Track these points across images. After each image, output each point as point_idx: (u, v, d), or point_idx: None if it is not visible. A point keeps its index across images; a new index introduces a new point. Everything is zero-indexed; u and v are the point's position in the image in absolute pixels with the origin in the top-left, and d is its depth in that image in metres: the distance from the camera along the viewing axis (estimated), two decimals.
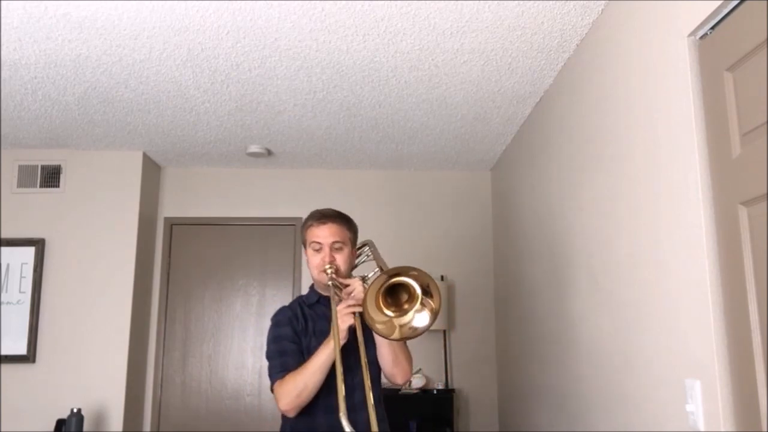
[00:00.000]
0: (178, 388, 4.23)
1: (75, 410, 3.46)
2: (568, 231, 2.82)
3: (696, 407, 1.64)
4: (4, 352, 3.79)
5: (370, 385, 1.82)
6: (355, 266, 2.21)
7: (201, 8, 2.38)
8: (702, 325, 1.64)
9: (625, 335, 2.18)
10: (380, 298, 1.80)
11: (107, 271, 3.94)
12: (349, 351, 1.91)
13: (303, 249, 2.14)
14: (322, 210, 2.12)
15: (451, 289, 4.40)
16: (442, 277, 4.34)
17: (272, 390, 1.99)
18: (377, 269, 2.03)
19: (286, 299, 4.35)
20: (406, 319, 1.81)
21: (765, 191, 1.42)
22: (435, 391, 4.12)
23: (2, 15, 2.41)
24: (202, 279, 4.37)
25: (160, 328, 4.27)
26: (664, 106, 1.88)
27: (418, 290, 1.81)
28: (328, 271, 2.02)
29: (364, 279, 2.03)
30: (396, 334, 1.80)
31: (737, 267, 1.52)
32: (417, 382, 4.08)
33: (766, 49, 1.43)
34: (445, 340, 4.32)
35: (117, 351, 3.86)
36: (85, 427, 3.56)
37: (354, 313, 1.88)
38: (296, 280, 4.36)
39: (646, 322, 2.00)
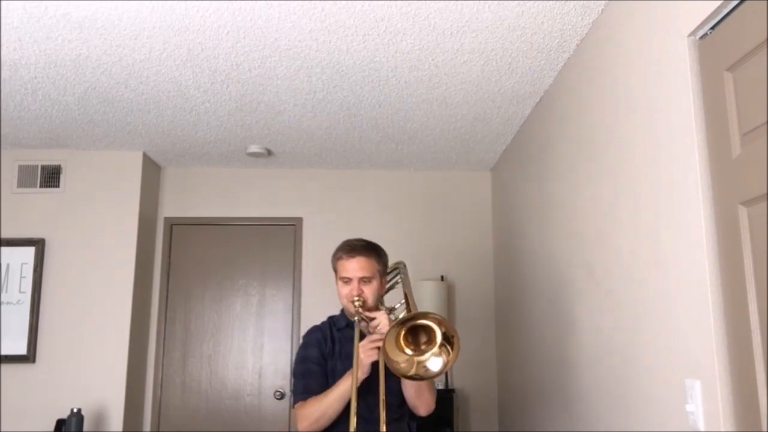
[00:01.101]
0: (178, 388, 4.23)
1: (75, 410, 3.46)
2: (568, 230, 2.82)
3: (696, 407, 1.64)
4: (4, 352, 3.79)
5: (385, 418, 1.87)
6: (388, 290, 2.28)
7: (201, 8, 2.38)
8: (702, 325, 1.64)
9: (625, 335, 2.18)
10: (401, 338, 1.85)
11: (107, 271, 3.94)
12: (372, 382, 1.96)
13: (335, 277, 2.21)
14: (352, 242, 2.18)
15: (451, 290, 4.40)
16: (442, 277, 4.34)
17: (294, 407, 2.10)
18: (403, 301, 2.10)
19: (286, 299, 4.36)
20: (422, 357, 1.85)
21: (765, 191, 1.42)
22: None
23: (2, 15, 2.41)
24: (202, 279, 4.37)
25: (160, 328, 4.27)
26: (664, 106, 1.88)
27: (439, 336, 1.85)
28: (356, 303, 2.08)
29: (390, 311, 2.09)
30: (413, 371, 1.85)
31: (737, 267, 1.52)
32: None
33: (766, 49, 1.43)
34: None
35: (117, 351, 3.85)
36: (85, 427, 3.55)
37: (378, 348, 1.92)
38: (296, 280, 4.36)
39: (646, 322, 2.00)
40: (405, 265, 2.41)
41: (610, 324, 2.33)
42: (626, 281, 2.17)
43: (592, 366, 2.52)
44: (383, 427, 1.84)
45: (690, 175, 1.71)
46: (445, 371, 1.86)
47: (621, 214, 2.22)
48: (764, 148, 1.42)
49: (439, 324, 1.84)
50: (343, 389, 1.96)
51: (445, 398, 4.06)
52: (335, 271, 2.20)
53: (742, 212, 1.51)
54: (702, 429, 1.62)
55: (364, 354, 1.94)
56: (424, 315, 1.85)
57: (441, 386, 4.19)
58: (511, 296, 3.93)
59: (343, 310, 2.25)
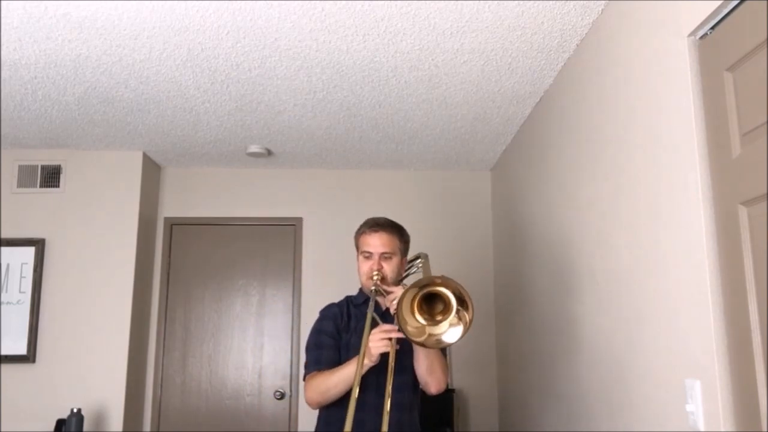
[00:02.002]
0: (178, 388, 4.23)
1: (75, 410, 3.46)
2: (568, 230, 2.82)
3: (696, 407, 1.64)
4: (4, 352, 3.79)
5: (390, 391, 1.89)
6: (405, 276, 2.29)
7: (201, 8, 2.38)
8: (702, 325, 1.64)
9: (625, 335, 2.18)
10: (416, 303, 1.85)
11: (107, 271, 3.94)
12: (381, 366, 1.96)
13: (356, 254, 2.23)
14: (376, 218, 2.22)
15: None
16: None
17: (304, 378, 2.11)
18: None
19: (286, 299, 4.36)
20: (437, 329, 1.86)
21: (765, 191, 1.42)
22: None
23: (2, 15, 2.41)
24: (202, 279, 4.37)
25: (160, 328, 4.27)
26: (664, 106, 1.88)
27: (454, 302, 1.85)
28: (374, 277, 2.10)
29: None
30: (423, 338, 1.85)
31: (737, 267, 1.52)
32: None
33: (766, 49, 1.43)
34: None
35: (117, 351, 3.85)
36: (85, 427, 3.55)
37: (389, 339, 1.92)
38: (296, 280, 4.36)
39: (646, 322, 2.00)
40: (427, 257, 2.40)
41: (610, 324, 2.33)
42: (626, 281, 2.17)
43: (592, 366, 2.52)
44: (385, 417, 1.83)
45: (690, 175, 1.71)
46: (464, 336, 1.84)
47: (621, 214, 2.22)
48: (764, 148, 1.42)
49: (452, 289, 1.84)
50: (350, 373, 1.95)
51: (445, 398, 4.06)
52: (357, 247, 2.21)
53: (742, 212, 1.50)
54: (702, 429, 1.62)
55: (374, 343, 1.92)
56: (432, 281, 1.85)
57: None
58: (512, 296, 3.93)
59: (360, 290, 2.25)
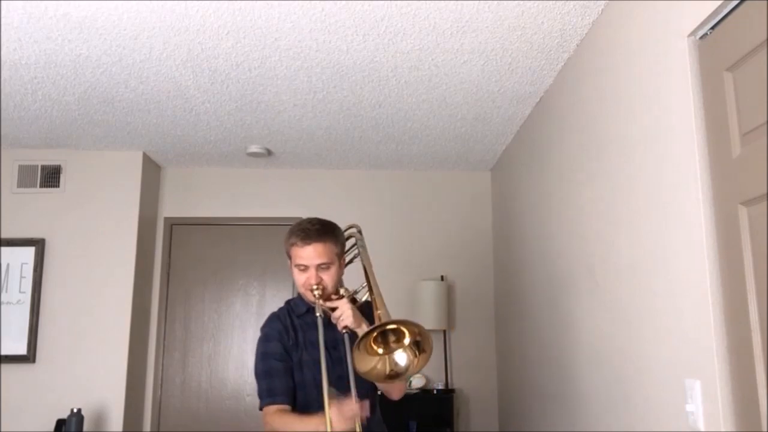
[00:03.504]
0: (178, 388, 4.23)
1: (75, 410, 3.46)
2: (568, 230, 2.82)
3: (696, 407, 1.64)
4: (4, 352, 3.79)
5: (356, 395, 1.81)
6: (347, 263, 2.16)
7: (201, 8, 2.38)
8: (702, 325, 1.64)
9: (625, 335, 2.18)
10: (370, 344, 1.78)
11: (107, 271, 3.94)
12: (337, 364, 1.91)
13: (289, 262, 2.05)
14: (306, 226, 2.00)
15: (451, 289, 4.40)
16: (442, 277, 4.34)
17: (260, 408, 1.97)
18: (364, 283, 2.00)
19: (286, 299, 4.35)
20: (392, 355, 1.80)
21: (765, 191, 1.42)
22: (435, 391, 4.12)
23: (2, 15, 2.41)
24: (202, 279, 4.37)
25: (160, 328, 4.27)
26: (664, 106, 1.88)
27: (408, 339, 1.79)
28: (316, 293, 1.95)
29: (353, 298, 1.99)
30: (388, 369, 1.79)
31: (737, 267, 1.52)
32: (417, 382, 4.08)
33: (766, 49, 1.43)
34: (445, 340, 4.32)
35: (117, 351, 3.85)
36: (85, 427, 3.56)
37: (355, 418, 1.79)
38: None
39: (646, 322, 2.00)
40: (360, 231, 2.23)
41: (610, 324, 2.33)
42: (626, 281, 2.17)
43: (592, 366, 2.52)
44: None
45: (690, 175, 1.71)
46: (415, 370, 1.79)
47: (621, 214, 2.22)
48: (764, 148, 1.42)
49: (408, 327, 1.77)
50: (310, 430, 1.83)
51: (445, 398, 4.07)
52: (289, 256, 2.03)
53: (742, 212, 1.50)
54: (702, 429, 1.62)
55: (339, 422, 1.76)
56: (386, 323, 1.77)
57: (441, 386, 4.19)
58: (511, 296, 3.93)
59: (299, 295, 2.11)
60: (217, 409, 4.20)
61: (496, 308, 4.40)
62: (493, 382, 4.35)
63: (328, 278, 1.97)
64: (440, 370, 4.26)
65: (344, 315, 1.89)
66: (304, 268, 1.98)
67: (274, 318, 2.10)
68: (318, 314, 1.93)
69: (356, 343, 1.74)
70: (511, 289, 3.96)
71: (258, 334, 2.11)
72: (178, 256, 4.40)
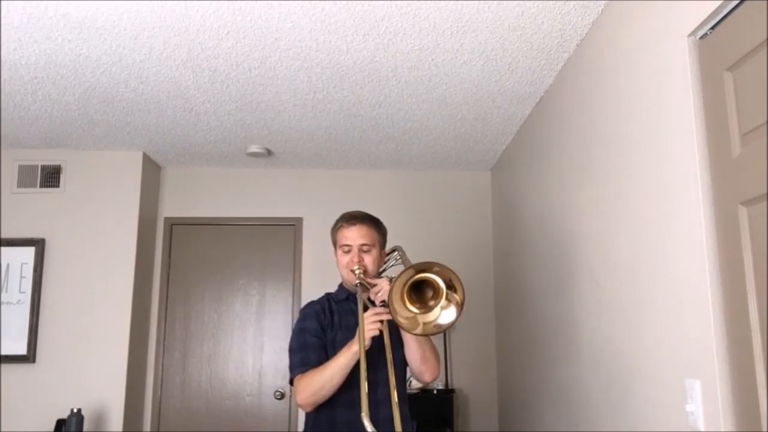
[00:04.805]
0: (178, 388, 4.23)
1: (75, 410, 3.46)
2: (568, 230, 2.82)
3: (696, 407, 1.64)
4: (4, 352, 3.79)
5: (394, 383, 1.85)
6: (383, 270, 2.25)
7: (201, 8, 2.38)
8: (702, 325, 1.64)
9: (625, 335, 2.18)
10: (405, 293, 1.83)
11: (107, 271, 3.94)
12: (373, 348, 1.93)
13: (333, 249, 2.19)
14: (353, 212, 2.17)
15: None
16: None
17: (291, 382, 2.07)
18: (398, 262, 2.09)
19: (286, 299, 4.36)
20: (431, 316, 1.84)
21: (765, 191, 1.42)
22: (435, 391, 4.11)
23: (2, 15, 2.41)
24: (202, 279, 4.37)
25: (160, 328, 4.27)
26: (664, 106, 1.88)
27: (443, 285, 1.84)
28: (356, 271, 2.06)
29: (391, 280, 2.02)
30: (419, 330, 1.84)
31: (737, 267, 1.52)
32: (417, 383, 4.07)
33: (766, 49, 1.43)
34: (445, 340, 4.32)
35: (117, 351, 3.86)
36: (85, 427, 3.56)
37: (381, 322, 1.90)
38: (296, 280, 4.36)
39: (646, 322, 2.00)
40: (403, 249, 2.35)
41: (610, 324, 2.33)
42: (626, 281, 2.17)
43: (592, 366, 2.52)
44: (393, 391, 1.82)
45: (690, 175, 1.71)
46: (459, 316, 1.83)
47: (621, 214, 2.22)
48: (764, 148, 1.42)
49: (439, 273, 1.82)
50: (345, 361, 1.91)
51: (445, 398, 4.07)
52: (334, 243, 2.17)
53: (742, 212, 1.50)
54: (702, 429, 1.62)
55: (367, 327, 1.88)
56: (422, 268, 1.82)
57: (441, 386, 4.19)
58: (511, 296, 3.93)
59: (341, 285, 2.21)
60: (217, 409, 4.20)
61: (496, 308, 4.40)
62: (493, 382, 4.35)
63: (369, 260, 2.10)
64: (440, 370, 4.26)
65: (383, 290, 1.97)
66: (348, 249, 2.11)
67: (312, 302, 2.22)
68: (357, 282, 2.05)
69: (390, 286, 1.81)
70: (511, 288, 3.96)
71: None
72: (178, 256, 4.40)
